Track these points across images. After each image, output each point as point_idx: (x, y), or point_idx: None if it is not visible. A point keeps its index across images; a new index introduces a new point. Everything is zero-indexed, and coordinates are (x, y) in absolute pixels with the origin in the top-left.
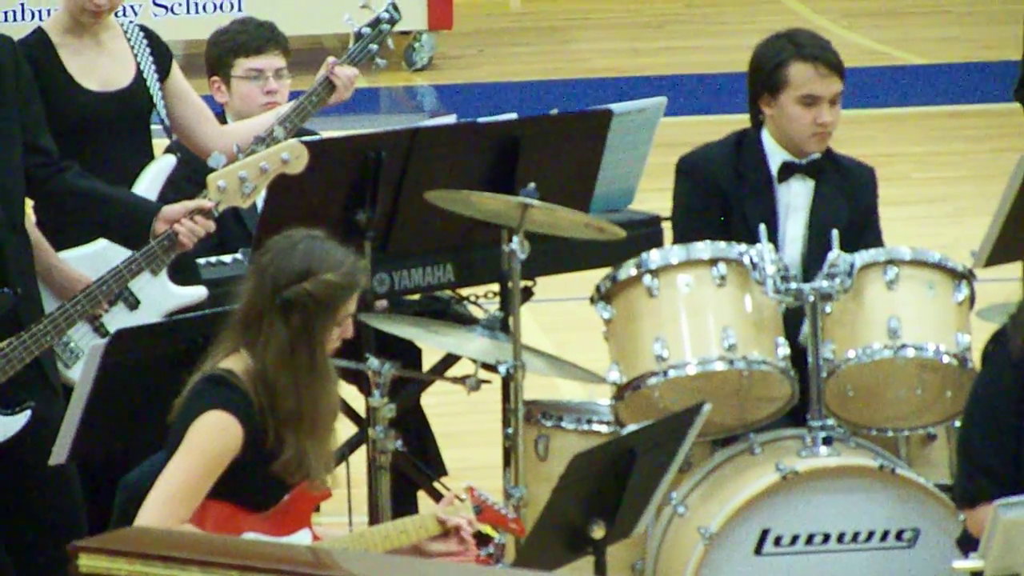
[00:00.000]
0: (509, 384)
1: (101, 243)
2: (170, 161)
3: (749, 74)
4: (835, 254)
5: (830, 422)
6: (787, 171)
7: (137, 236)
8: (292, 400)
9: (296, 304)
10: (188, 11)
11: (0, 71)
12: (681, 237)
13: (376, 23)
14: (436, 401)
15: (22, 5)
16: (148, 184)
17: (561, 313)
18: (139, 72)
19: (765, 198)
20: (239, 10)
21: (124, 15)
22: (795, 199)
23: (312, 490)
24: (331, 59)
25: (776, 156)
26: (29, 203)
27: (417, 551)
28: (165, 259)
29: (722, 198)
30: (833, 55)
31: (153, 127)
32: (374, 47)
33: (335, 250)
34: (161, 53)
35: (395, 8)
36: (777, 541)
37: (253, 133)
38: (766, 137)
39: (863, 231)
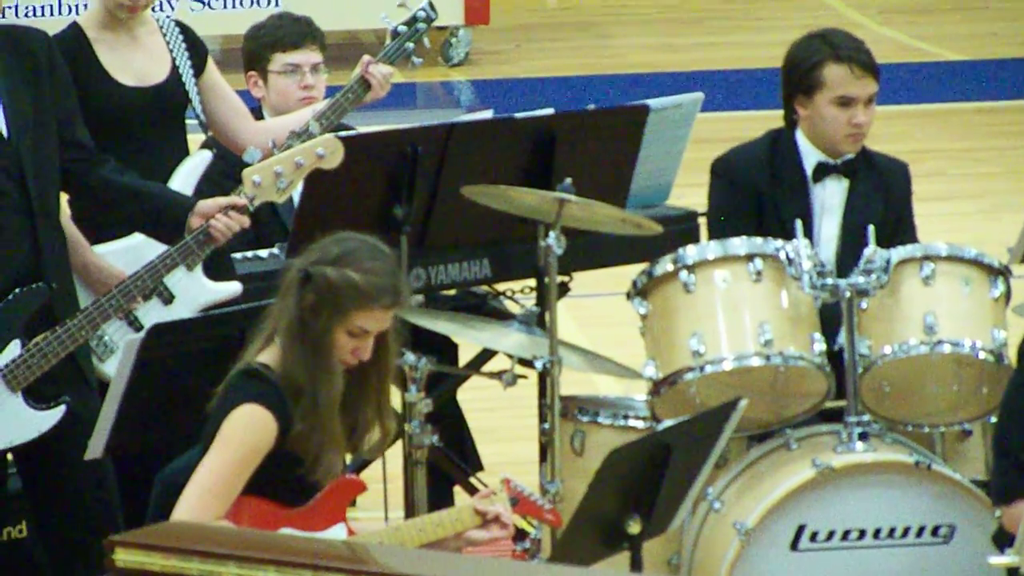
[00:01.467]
0: (545, 379)
1: (136, 237)
2: (206, 157)
3: (783, 75)
4: (871, 250)
5: (866, 418)
6: (822, 171)
7: (172, 231)
8: (301, 375)
9: (312, 282)
10: (225, 6)
11: (35, 66)
12: (717, 238)
13: (412, 21)
14: (472, 396)
15: (57, 0)
16: (183, 179)
17: (597, 308)
18: (174, 67)
19: (800, 198)
20: (276, 5)
21: (160, 10)
22: (830, 198)
23: (322, 480)
24: (366, 57)
25: (811, 156)
26: (64, 197)
27: (456, 542)
28: (200, 254)
29: (757, 199)
30: (868, 56)
31: (188, 122)
32: (410, 45)
33: (378, 260)
34: (196, 48)
35: (432, 7)
36: (813, 537)
37: (288, 129)
38: (800, 137)
39: (897, 227)
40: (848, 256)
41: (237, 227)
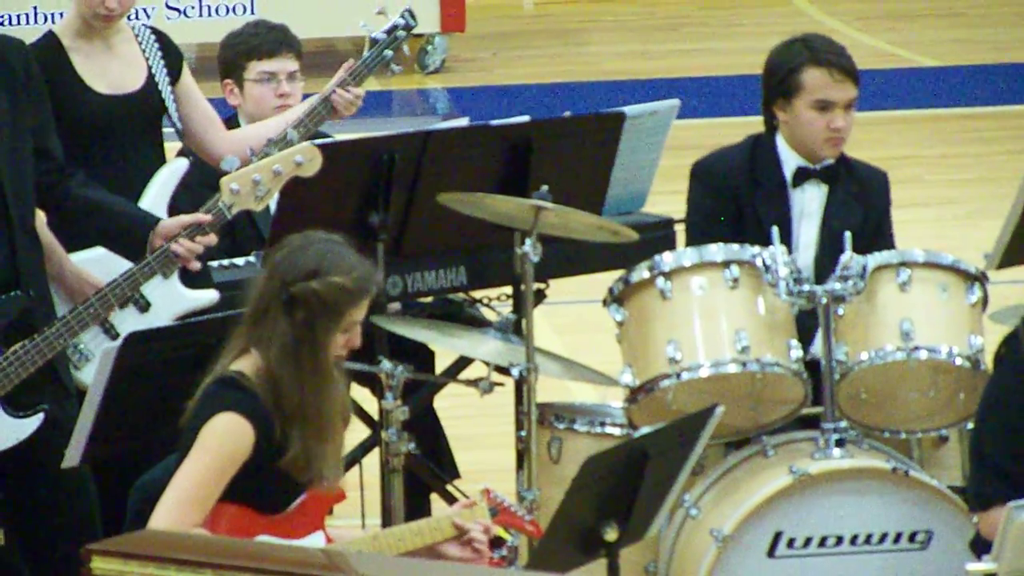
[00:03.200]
0: (522, 387)
1: (102, 248)
2: (182, 164)
3: (763, 79)
4: (848, 256)
5: (843, 424)
6: (801, 176)
7: (134, 249)
8: (297, 397)
9: (301, 301)
10: (201, 14)
11: (11, 75)
12: (695, 242)
13: (392, 30)
14: (449, 404)
15: (35, 8)
16: (160, 188)
17: (574, 316)
18: (150, 75)
19: (779, 203)
20: (252, 13)
21: (136, 18)
22: (809, 204)
23: (323, 492)
24: (349, 62)
25: (790, 161)
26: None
27: (432, 553)
28: (173, 266)
29: (736, 203)
30: (848, 61)
31: (165, 130)
32: (389, 53)
33: (349, 255)
34: (172, 56)
35: (411, 15)
36: (790, 543)
37: (263, 137)
38: (780, 142)
39: (876, 235)
40: (826, 262)
41: (201, 249)
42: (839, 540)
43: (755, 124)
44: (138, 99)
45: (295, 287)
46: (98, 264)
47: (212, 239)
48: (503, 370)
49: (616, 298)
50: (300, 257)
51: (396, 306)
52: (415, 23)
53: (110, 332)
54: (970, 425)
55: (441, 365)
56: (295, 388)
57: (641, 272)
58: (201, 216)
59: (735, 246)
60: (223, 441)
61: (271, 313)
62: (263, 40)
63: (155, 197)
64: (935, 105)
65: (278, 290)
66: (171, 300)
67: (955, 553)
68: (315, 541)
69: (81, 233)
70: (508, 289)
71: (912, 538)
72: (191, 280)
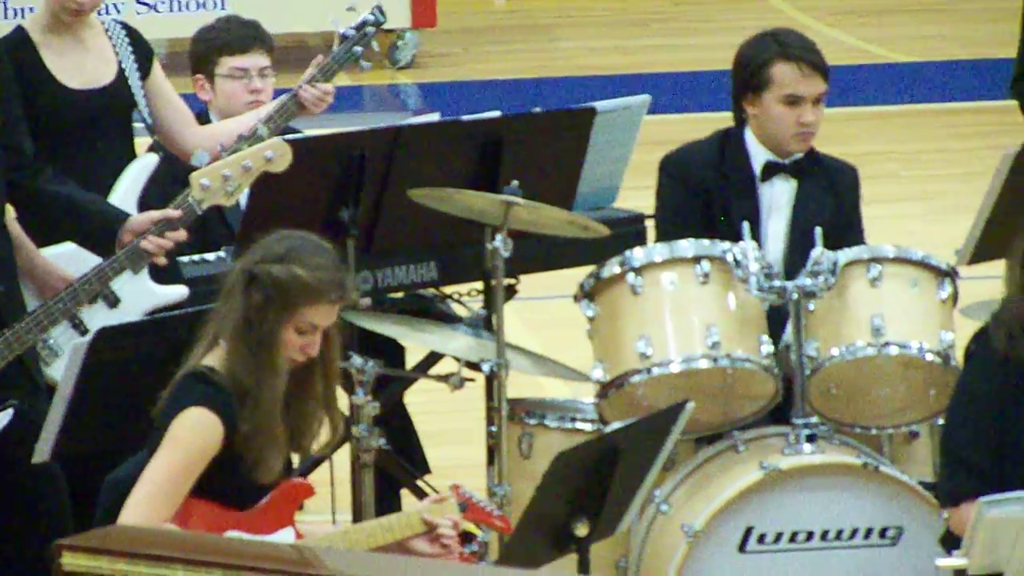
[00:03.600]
0: (493, 382)
1: (72, 244)
2: (152, 160)
3: (733, 73)
4: (818, 252)
5: (814, 420)
6: (770, 170)
7: (103, 245)
8: (246, 376)
9: (258, 281)
10: (171, 9)
11: None
12: (664, 236)
13: (362, 26)
14: (419, 399)
15: (4, 4)
16: (130, 183)
17: (545, 311)
18: (120, 70)
19: (748, 197)
20: (223, 8)
21: (106, 12)
22: (778, 198)
23: (292, 486)
24: (319, 57)
25: (759, 155)
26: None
27: (401, 549)
28: (143, 261)
29: (705, 197)
30: (817, 55)
31: (136, 125)
32: (359, 49)
33: (321, 255)
34: (142, 51)
35: (381, 12)
36: (761, 539)
37: (234, 133)
38: (749, 136)
39: (845, 230)
40: (795, 256)
41: (171, 245)
42: (810, 535)
43: (726, 120)
44: (108, 94)
45: (258, 267)
46: (68, 259)
47: (182, 235)
48: (474, 366)
49: (587, 293)
50: (274, 243)
51: (366, 301)
52: (384, 19)
53: (80, 327)
54: (941, 421)
55: (412, 360)
56: (244, 368)
57: (612, 267)
58: (171, 212)
59: (706, 242)
60: (192, 436)
61: (233, 291)
62: (234, 36)
63: (125, 192)
64: (908, 101)
65: (244, 269)
66: (141, 296)
67: (925, 549)
68: (285, 537)
69: (51, 229)
70: (479, 285)
71: (883, 534)
72: (161, 276)
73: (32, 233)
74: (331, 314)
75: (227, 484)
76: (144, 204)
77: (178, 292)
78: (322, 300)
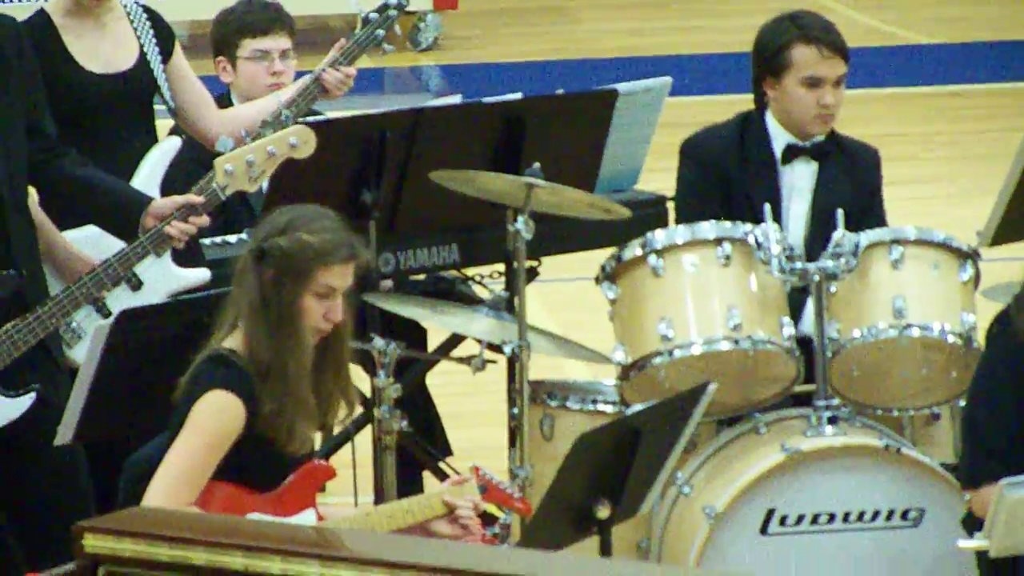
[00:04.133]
0: (514, 364)
1: (94, 227)
2: (175, 143)
3: (753, 56)
4: (840, 234)
5: (835, 402)
6: (791, 153)
7: (126, 228)
8: (266, 356)
9: (268, 256)
10: None
11: (3, 54)
12: (685, 218)
13: (384, 8)
14: (441, 381)
15: None
16: (152, 167)
17: (566, 293)
18: (142, 53)
19: (769, 180)
20: None
21: None
22: (799, 181)
23: (314, 467)
24: (341, 41)
25: (780, 138)
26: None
27: (423, 531)
28: (166, 246)
29: (726, 180)
30: (837, 37)
31: (157, 108)
32: (380, 32)
33: (326, 219)
34: (164, 34)
35: None
36: (783, 521)
37: (255, 116)
38: (770, 119)
39: (866, 212)
40: (816, 239)
41: (194, 230)
42: (831, 517)
43: (747, 102)
44: (130, 78)
45: (265, 242)
46: (90, 243)
47: (205, 220)
48: (495, 348)
49: (608, 276)
50: (277, 217)
51: (388, 283)
52: (407, 2)
53: (102, 311)
54: (962, 403)
55: (433, 343)
56: (265, 347)
57: (633, 249)
58: (193, 197)
59: (727, 223)
60: (214, 419)
61: (245, 272)
62: (256, 18)
63: (147, 176)
64: (927, 83)
65: (251, 249)
66: (163, 279)
67: (947, 530)
68: (307, 519)
69: (73, 212)
70: (500, 267)
71: (904, 515)
72: (183, 258)
73: (55, 216)
74: (346, 274)
75: (249, 466)
76: (166, 188)
77: (200, 275)
78: (334, 260)
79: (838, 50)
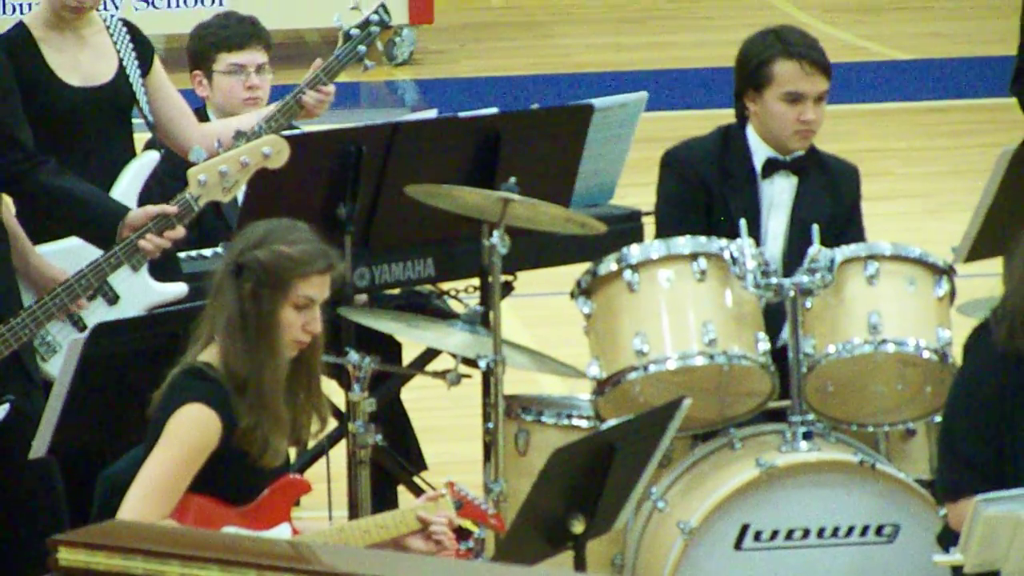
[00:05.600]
0: (489, 379)
1: (76, 239)
2: (153, 157)
3: (735, 69)
4: (816, 249)
5: (810, 417)
6: (771, 167)
7: (104, 238)
8: (244, 370)
9: (246, 269)
10: (169, 5)
11: None
12: (664, 230)
13: (366, 24)
14: (416, 396)
15: (2, 1)
16: (130, 180)
17: (541, 308)
18: (121, 67)
19: (748, 194)
20: (221, 4)
21: (105, 8)
22: (778, 195)
23: (288, 481)
24: (318, 61)
25: (760, 152)
26: (8, 197)
27: (397, 546)
28: (143, 258)
29: (706, 192)
30: (819, 54)
31: (135, 121)
32: (363, 49)
33: (301, 232)
34: (143, 47)
35: (385, 10)
36: (757, 536)
37: (234, 130)
38: (751, 133)
39: (846, 228)
40: (795, 254)
41: (168, 244)
42: (806, 533)
43: (724, 117)
44: (109, 91)
45: (242, 256)
46: (72, 255)
47: (180, 233)
48: (470, 362)
49: (584, 290)
50: (251, 231)
51: (363, 298)
52: (389, 19)
53: (78, 324)
54: (937, 418)
55: (408, 357)
56: (242, 361)
57: (609, 264)
58: (167, 207)
59: (702, 238)
60: (190, 432)
61: (222, 287)
62: (232, 32)
63: (126, 189)
64: (904, 98)
65: (228, 263)
66: (140, 293)
67: (922, 546)
68: (281, 533)
69: (52, 222)
70: (476, 281)
71: (879, 531)
72: (160, 272)
73: (34, 227)
74: (324, 285)
75: (224, 480)
76: (144, 201)
77: (177, 290)
78: (312, 271)
79: (820, 67)
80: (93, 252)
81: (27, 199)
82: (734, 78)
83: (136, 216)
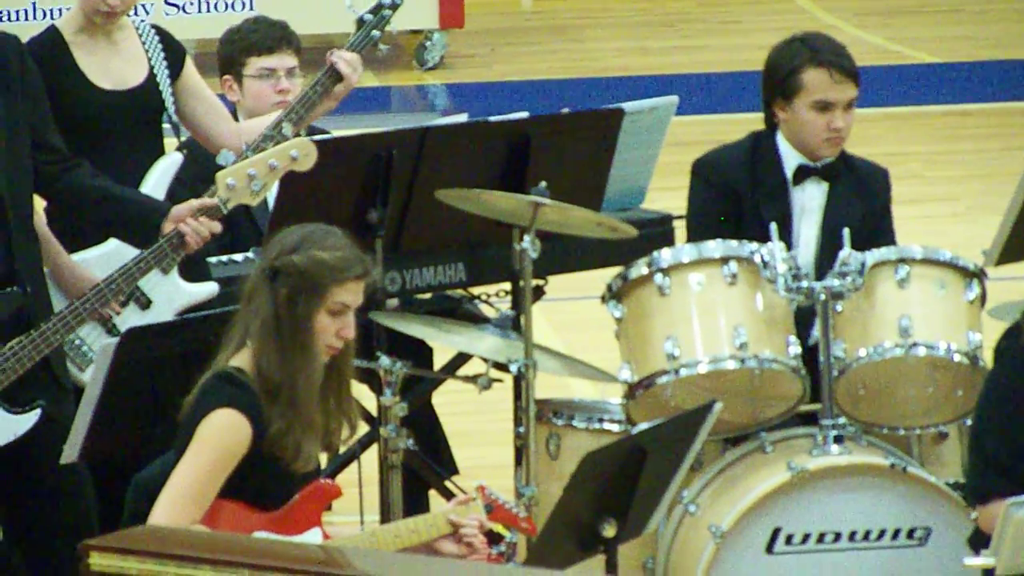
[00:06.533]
0: (520, 383)
1: (110, 244)
2: (176, 159)
3: (764, 78)
4: (846, 252)
5: (841, 421)
6: (802, 174)
7: (146, 235)
8: (278, 375)
9: (282, 274)
10: (200, 10)
11: (6, 69)
12: (695, 239)
13: (378, 8)
14: (447, 400)
15: (33, 4)
16: (155, 182)
17: (572, 312)
18: (151, 71)
19: (780, 201)
20: (251, 9)
21: (136, 14)
22: (809, 202)
23: (320, 486)
24: (332, 50)
25: (791, 159)
26: (40, 202)
27: (429, 550)
28: (174, 258)
29: (737, 200)
30: (848, 61)
31: (164, 127)
32: (376, 33)
33: (337, 237)
34: (174, 52)
35: None
36: (788, 540)
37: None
38: (781, 140)
39: (876, 232)
40: (827, 259)
41: (207, 232)
42: (837, 536)
43: (753, 121)
44: (139, 95)
45: (278, 261)
46: (112, 258)
47: (217, 226)
48: (502, 366)
49: (614, 294)
50: (287, 236)
51: (394, 302)
52: (401, 1)
53: (112, 332)
54: (969, 421)
55: (439, 361)
56: (276, 366)
57: (639, 268)
58: (208, 200)
59: (733, 242)
60: (220, 437)
61: (257, 291)
62: (262, 36)
63: (152, 191)
64: (933, 102)
65: (263, 267)
66: (172, 295)
67: (953, 549)
68: (312, 537)
69: (90, 223)
70: (507, 285)
71: (911, 535)
72: (190, 276)
73: (68, 231)
74: (359, 291)
75: (255, 485)
76: (170, 202)
77: (209, 289)
78: (348, 277)
79: (849, 74)
80: (123, 258)
81: (64, 201)
82: (762, 86)
83: (180, 210)
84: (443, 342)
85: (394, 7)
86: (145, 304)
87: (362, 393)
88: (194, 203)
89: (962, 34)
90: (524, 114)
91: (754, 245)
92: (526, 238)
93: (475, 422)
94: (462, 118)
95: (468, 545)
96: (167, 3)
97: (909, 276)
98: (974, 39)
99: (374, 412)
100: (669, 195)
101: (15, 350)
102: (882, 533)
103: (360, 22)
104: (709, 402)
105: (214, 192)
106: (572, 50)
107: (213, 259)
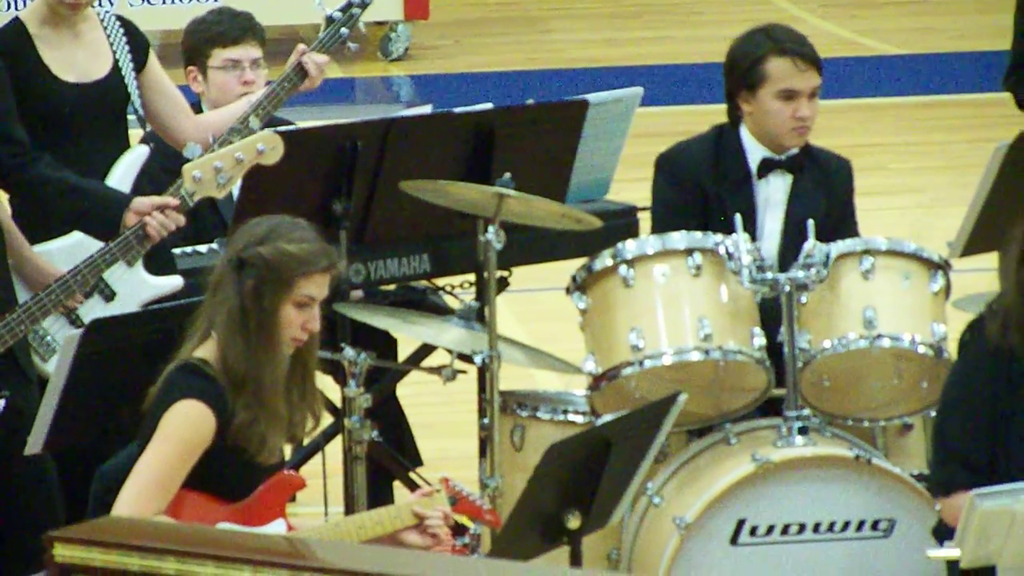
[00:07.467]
0: (485, 374)
1: (74, 237)
2: (143, 151)
3: (726, 71)
4: (811, 244)
5: (806, 412)
6: (766, 167)
7: (108, 227)
8: (243, 367)
9: (249, 266)
10: (164, 1)
11: None
12: (660, 232)
13: (347, 7)
14: (412, 391)
15: None
16: (121, 174)
17: (537, 303)
18: (116, 63)
19: (744, 194)
20: (215, 0)
21: (100, 5)
22: (773, 194)
23: (283, 477)
24: (301, 46)
25: (755, 152)
26: (3, 194)
27: (393, 541)
28: (139, 250)
29: (701, 194)
30: (810, 49)
31: (130, 118)
32: (345, 31)
33: (303, 229)
34: (138, 43)
35: None
36: (753, 531)
37: (228, 122)
38: (744, 133)
39: (840, 223)
40: (791, 251)
41: (173, 225)
42: (802, 528)
43: (718, 112)
44: (104, 87)
45: (244, 252)
46: (70, 253)
47: (181, 219)
48: (466, 358)
49: (579, 286)
50: (254, 227)
51: (359, 293)
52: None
53: (76, 323)
54: (933, 413)
55: (404, 353)
56: (241, 357)
57: (604, 260)
58: (169, 199)
59: (697, 234)
60: (184, 428)
61: (223, 282)
62: (227, 27)
63: (118, 184)
64: (898, 93)
65: (229, 258)
66: (136, 288)
67: (918, 541)
68: (276, 529)
69: (52, 214)
70: (471, 277)
71: (875, 526)
72: (155, 268)
73: (31, 223)
74: (324, 284)
75: (220, 476)
76: (135, 195)
77: (173, 282)
78: (314, 270)
79: (812, 62)
80: (87, 250)
81: (27, 192)
82: (725, 80)
83: (142, 203)
84: (407, 333)
85: (363, 6)
86: (109, 296)
87: (326, 384)
88: (156, 199)
89: (927, 25)
90: (488, 105)
91: (719, 237)
92: (490, 229)
93: (439, 413)
94: (426, 109)
95: (433, 536)
96: None
97: (874, 267)
98: (939, 31)
99: (338, 403)
100: (634, 186)
101: None
102: (847, 524)
103: (329, 20)
104: (673, 393)
105: (180, 185)
106: (537, 41)
107: (177, 250)
